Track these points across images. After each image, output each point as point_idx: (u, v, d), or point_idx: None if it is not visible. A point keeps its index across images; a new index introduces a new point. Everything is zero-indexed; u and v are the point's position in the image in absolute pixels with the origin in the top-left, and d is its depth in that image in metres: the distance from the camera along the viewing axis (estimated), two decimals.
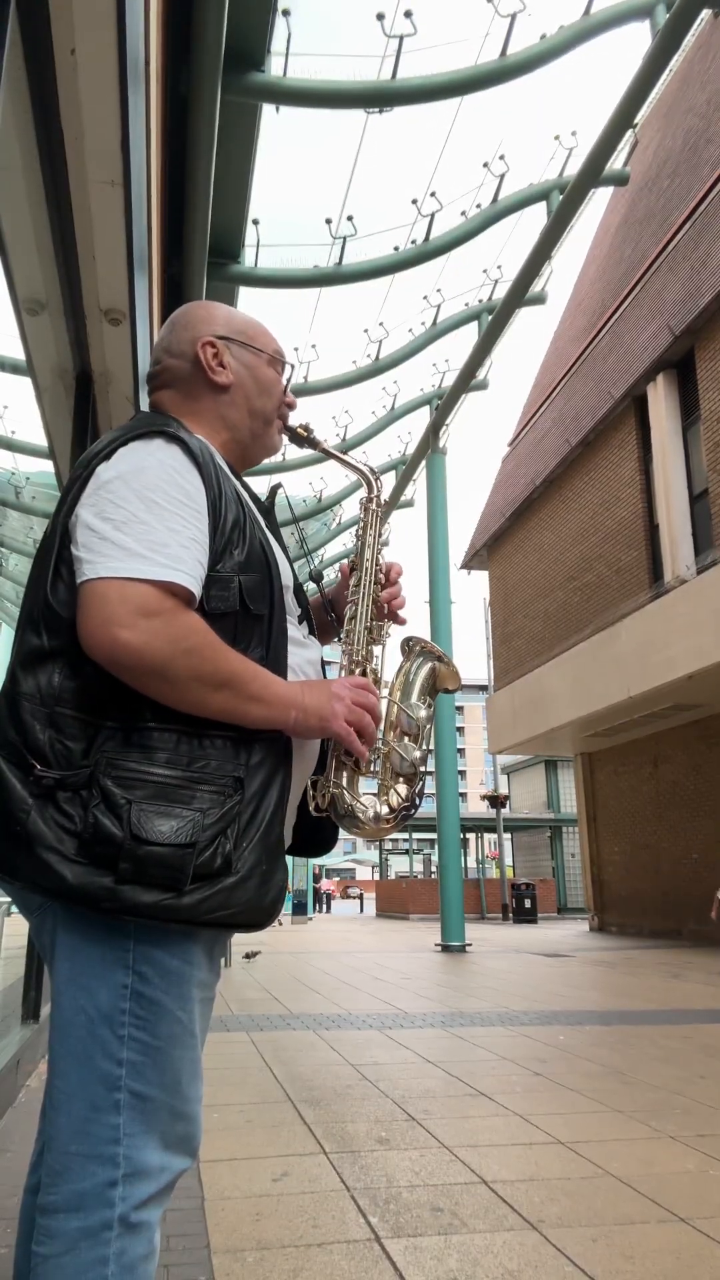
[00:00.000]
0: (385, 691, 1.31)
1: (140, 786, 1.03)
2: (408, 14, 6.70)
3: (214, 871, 1.03)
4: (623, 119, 8.53)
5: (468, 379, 12.80)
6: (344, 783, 1.23)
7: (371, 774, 1.26)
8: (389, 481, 17.12)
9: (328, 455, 1.44)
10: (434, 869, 24.90)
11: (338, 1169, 2.71)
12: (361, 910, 30.71)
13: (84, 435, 4.69)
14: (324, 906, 36.44)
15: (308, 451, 1.46)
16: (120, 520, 1.06)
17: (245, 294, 9.09)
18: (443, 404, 13.75)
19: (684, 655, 11.27)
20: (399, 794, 1.26)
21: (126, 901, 1.00)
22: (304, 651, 1.26)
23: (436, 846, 12.03)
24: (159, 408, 1.30)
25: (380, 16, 6.69)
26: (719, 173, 12.69)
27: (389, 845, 33.51)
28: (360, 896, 32.42)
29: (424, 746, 1.29)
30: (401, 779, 1.26)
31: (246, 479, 1.38)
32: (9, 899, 1.20)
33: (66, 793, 1.03)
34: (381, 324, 11.70)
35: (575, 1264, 2.02)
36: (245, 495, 1.24)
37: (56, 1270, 0.99)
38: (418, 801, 1.27)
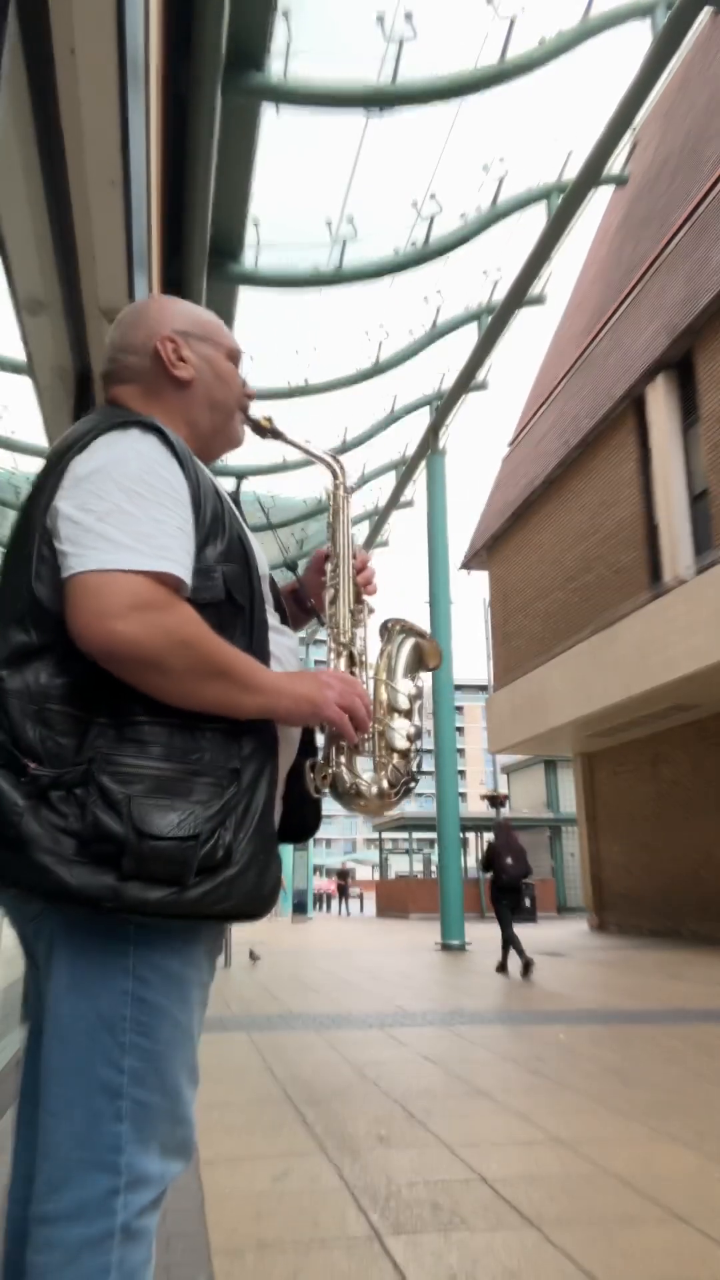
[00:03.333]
0: (371, 673, 1.32)
1: (138, 781, 1.01)
2: (408, 16, 6.71)
3: (216, 864, 1.02)
4: (622, 120, 8.54)
5: (467, 380, 12.81)
6: (343, 762, 1.24)
7: (368, 753, 1.26)
8: (389, 482, 17.14)
9: (291, 445, 1.43)
10: (434, 869, 24.91)
11: (338, 1168, 2.71)
12: (361, 909, 30.44)
13: None
14: (324, 906, 36.36)
15: (311, 456, 1.46)
16: (104, 512, 1.04)
17: (245, 294, 9.09)
18: (442, 405, 13.76)
19: (683, 655, 11.28)
20: (397, 769, 1.27)
21: (130, 900, 0.98)
22: (282, 639, 1.27)
23: (436, 846, 12.02)
24: (119, 403, 1.27)
25: (380, 18, 6.69)
26: (719, 173, 12.69)
27: (389, 845, 33.48)
28: (360, 896, 32.15)
29: (416, 722, 1.30)
30: (397, 754, 1.28)
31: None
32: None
33: (60, 791, 0.99)
34: (381, 325, 11.71)
35: (575, 1263, 2.02)
36: (221, 487, 1.24)
37: None
38: (416, 774, 1.28)
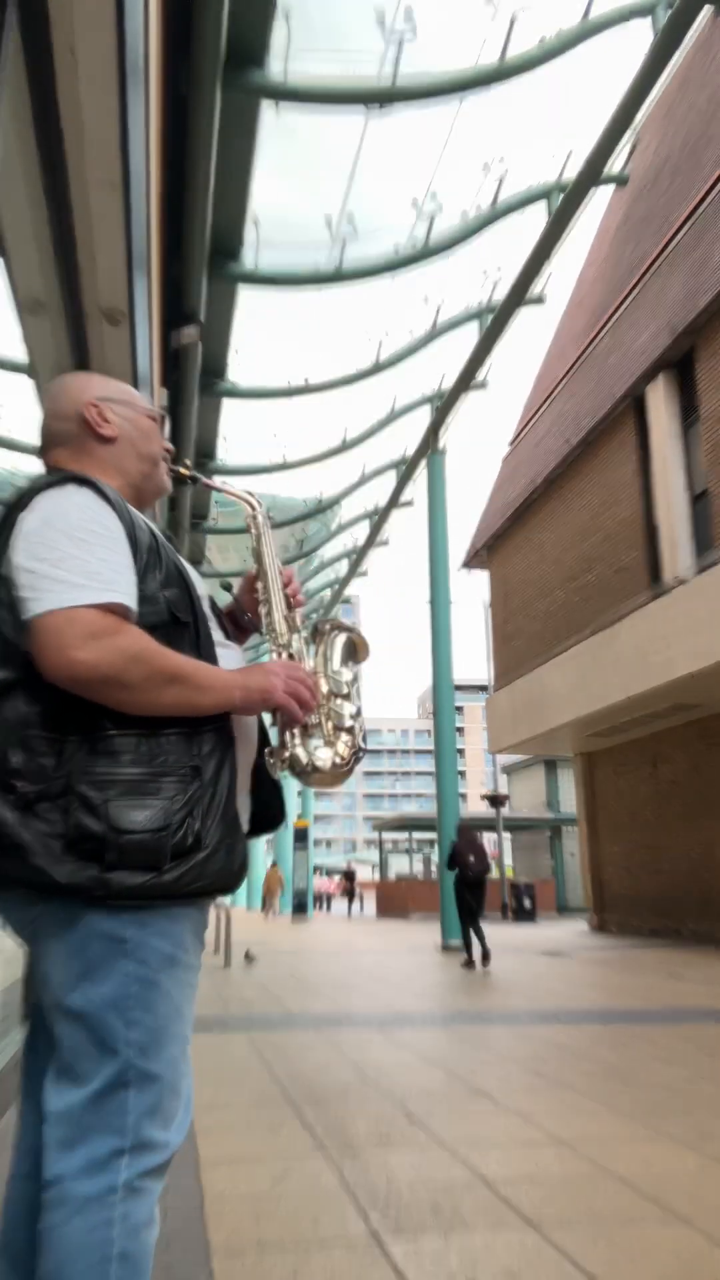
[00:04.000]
0: (311, 665, 1.49)
1: (112, 787, 1.17)
2: (408, 15, 6.71)
3: (187, 849, 1.18)
4: (622, 119, 8.54)
5: (468, 379, 12.81)
6: (297, 744, 1.40)
7: (318, 734, 1.44)
8: (389, 481, 17.13)
9: (210, 488, 1.69)
10: (434, 869, 24.91)
11: (338, 1168, 2.71)
12: (362, 910, 30.23)
13: None
14: (325, 906, 36.22)
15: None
16: (55, 559, 1.19)
17: (245, 294, 9.08)
18: (442, 404, 13.76)
19: (683, 655, 11.27)
20: (345, 743, 1.44)
21: (116, 886, 1.14)
22: (228, 652, 1.43)
23: (436, 846, 12.02)
24: (56, 466, 1.43)
25: (380, 17, 6.69)
26: (719, 173, 12.69)
27: (389, 845, 33.46)
28: (360, 896, 31.89)
29: (356, 702, 1.49)
30: (343, 732, 1.44)
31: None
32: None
33: (45, 803, 1.15)
34: (382, 324, 11.70)
35: (575, 1263, 2.02)
36: (153, 525, 1.39)
37: (66, 1234, 1.09)
38: (363, 745, 1.46)
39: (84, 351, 4.31)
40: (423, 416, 14.79)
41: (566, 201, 9.48)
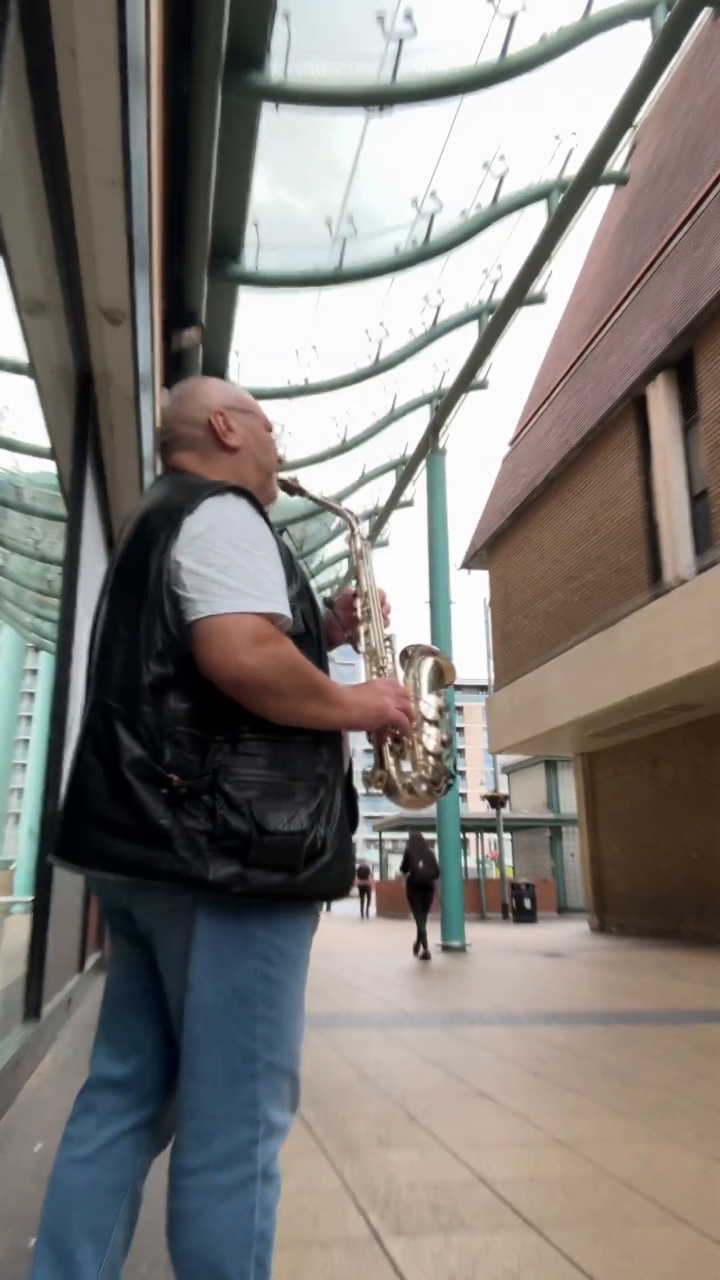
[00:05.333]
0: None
1: (253, 788, 1.22)
2: (408, 15, 6.71)
3: (316, 853, 1.25)
4: (623, 119, 8.53)
5: (468, 379, 12.80)
6: (392, 764, 1.47)
7: (410, 756, 1.49)
8: (389, 481, 17.12)
9: (313, 500, 1.71)
10: None
11: (337, 1168, 2.71)
12: (374, 911, 27.76)
13: (84, 435, 4.69)
14: (326, 905, 35.33)
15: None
16: (221, 565, 1.25)
17: (245, 294, 9.08)
18: (443, 404, 13.74)
19: (683, 655, 11.27)
20: (436, 769, 1.49)
21: (255, 884, 1.19)
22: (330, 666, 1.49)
23: (436, 847, 12.05)
24: (180, 468, 1.49)
25: (380, 17, 6.69)
26: (719, 173, 12.69)
27: (389, 845, 33.48)
28: (373, 895, 30.19)
29: (446, 730, 1.53)
30: (433, 757, 1.50)
31: None
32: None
33: (193, 799, 1.20)
34: (382, 324, 11.69)
35: (575, 1264, 2.02)
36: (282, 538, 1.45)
37: (211, 1221, 1.17)
38: (454, 771, 1.52)
39: (84, 352, 4.30)
40: (423, 416, 14.78)
41: (566, 201, 9.48)
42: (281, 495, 1.64)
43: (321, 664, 1.37)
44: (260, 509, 1.36)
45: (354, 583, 1.65)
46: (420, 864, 10.65)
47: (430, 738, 1.50)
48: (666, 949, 11.94)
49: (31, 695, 21.95)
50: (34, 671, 21.65)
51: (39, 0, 2.53)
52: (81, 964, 6.38)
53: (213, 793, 1.20)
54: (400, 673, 1.56)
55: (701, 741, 13.99)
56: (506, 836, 28.60)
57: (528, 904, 20.42)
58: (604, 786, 17.16)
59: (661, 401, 13.19)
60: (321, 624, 1.43)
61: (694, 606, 11.26)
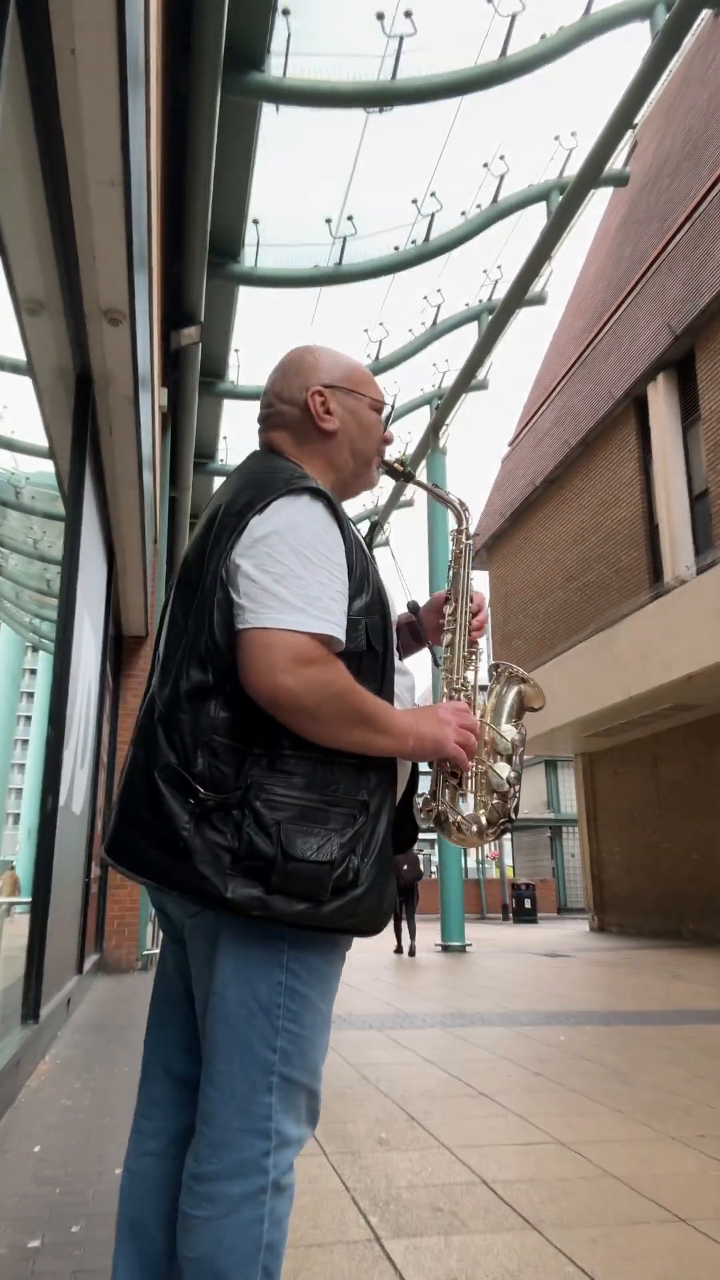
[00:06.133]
0: (478, 714, 1.43)
1: (285, 809, 1.17)
2: (408, 14, 6.70)
3: (346, 884, 1.18)
4: (623, 119, 8.53)
5: (468, 379, 12.79)
6: (447, 800, 1.39)
7: (470, 792, 1.40)
8: (389, 481, 17.11)
9: (422, 487, 1.61)
10: (434, 869, 24.87)
11: (338, 1169, 2.70)
12: None
13: (84, 435, 4.68)
14: None
15: (440, 499, 1.60)
16: (279, 574, 1.18)
17: (245, 294, 9.09)
18: (443, 404, 13.74)
19: (684, 655, 11.27)
20: (495, 808, 1.40)
21: (275, 910, 1.14)
22: (401, 678, 1.39)
23: (436, 847, 12.12)
24: (273, 447, 1.42)
25: (380, 16, 6.68)
26: (719, 172, 12.68)
27: None
28: None
29: (516, 767, 1.42)
30: (496, 795, 1.40)
31: None
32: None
33: (221, 813, 1.16)
34: (381, 324, 11.71)
35: (575, 1264, 2.02)
36: (363, 539, 1.37)
37: (219, 1230, 1.15)
38: (514, 815, 1.41)
39: (83, 352, 4.30)
40: (423, 416, 14.78)
41: (566, 201, 9.47)
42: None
43: (384, 683, 1.30)
44: (337, 513, 1.27)
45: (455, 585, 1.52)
46: (404, 866, 10.96)
47: (497, 774, 1.39)
48: (667, 949, 11.93)
49: (30, 695, 21.94)
50: (33, 671, 21.66)
51: (39, 0, 2.53)
52: (80, 965, 6.37)
53: (243, 808, 1.15)
54: (475, 695, 1.44)
55: (701, 741, 13.99)
56: (506, 836, 28.59)
57: (528, 904, 20.42)
58: (604, 787, 17.16)
59: (662, 401, 13.19)
60: (391, 641, 1.33)
61: (694, 606, 11.26)
